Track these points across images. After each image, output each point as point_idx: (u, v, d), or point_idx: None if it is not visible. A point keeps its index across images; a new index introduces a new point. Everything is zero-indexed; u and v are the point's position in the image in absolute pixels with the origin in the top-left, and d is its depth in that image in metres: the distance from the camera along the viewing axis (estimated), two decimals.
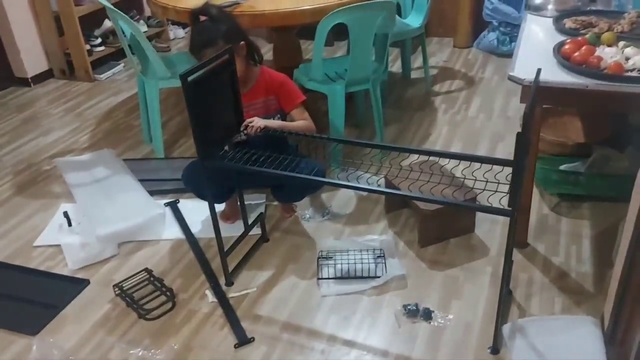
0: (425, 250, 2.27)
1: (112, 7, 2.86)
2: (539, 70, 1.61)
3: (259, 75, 2.26)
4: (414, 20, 3.57)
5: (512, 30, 4.15)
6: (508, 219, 1.55)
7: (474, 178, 1.76)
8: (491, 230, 2.34)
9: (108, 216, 2.48)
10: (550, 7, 2.43)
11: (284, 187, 2.38)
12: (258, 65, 2.27)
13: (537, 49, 2.04)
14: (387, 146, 2.38)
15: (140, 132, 3.32)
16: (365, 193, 2.63)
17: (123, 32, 2.96)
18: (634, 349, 1.43)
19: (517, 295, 2.02)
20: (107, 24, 4.37)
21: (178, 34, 5.07)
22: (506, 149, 2.95)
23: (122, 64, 4.42)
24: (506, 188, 1.54)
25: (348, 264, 2.14)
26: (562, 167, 2.52)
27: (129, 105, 3.76)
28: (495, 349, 1.81)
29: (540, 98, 1.75)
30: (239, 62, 2.11)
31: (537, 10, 2.46)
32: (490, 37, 4.25)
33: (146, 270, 2.21)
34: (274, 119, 2.23)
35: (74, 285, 2.18)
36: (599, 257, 2.17)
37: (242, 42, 2.14)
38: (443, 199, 1.69)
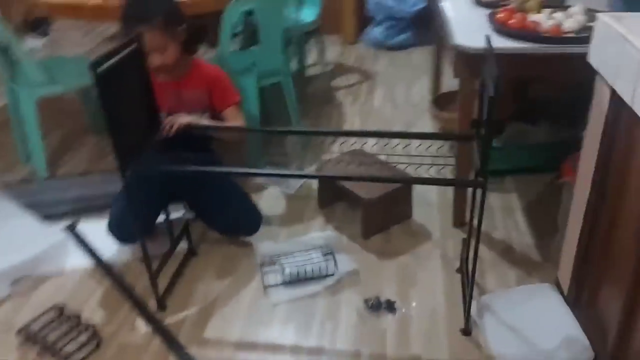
0: (370, 241, 2.15)
1: None
2: (488, 37, 1.57)
3: (191, 68, 2.01)
4: (308, 14, 3.47)
5: (396, 24, 4.22)
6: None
7: (410, 155, 1.68)
8: (428, 214, 2.28)
9: None
10: None
11: (213, 215, 2.14)
12: (192, 56, 2.02)
13: (465, 21, 2.01)
14: (318, 131, 2.22)
15: (14, 150, 2.82)
16: (292, 191, 2.46)
17: None
18: (610, 309, 1.42)
19: None
20: None
21: (36, 45, 4.49)
22: None
23: None
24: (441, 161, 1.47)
25: (297, 266, 1.95)
26: None
27: None
28: (466, 331, 1.74)
29: (476, 68, 1.70)
30: (174, 47, 1.87)
31: None
32: (375, 31, 4.29)
33: (56, 307, 1.83)
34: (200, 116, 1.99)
35: None
36: (535, 226, 2.21)
37: (182, 26, 1.89)
38: (406, 177, 1.58)
